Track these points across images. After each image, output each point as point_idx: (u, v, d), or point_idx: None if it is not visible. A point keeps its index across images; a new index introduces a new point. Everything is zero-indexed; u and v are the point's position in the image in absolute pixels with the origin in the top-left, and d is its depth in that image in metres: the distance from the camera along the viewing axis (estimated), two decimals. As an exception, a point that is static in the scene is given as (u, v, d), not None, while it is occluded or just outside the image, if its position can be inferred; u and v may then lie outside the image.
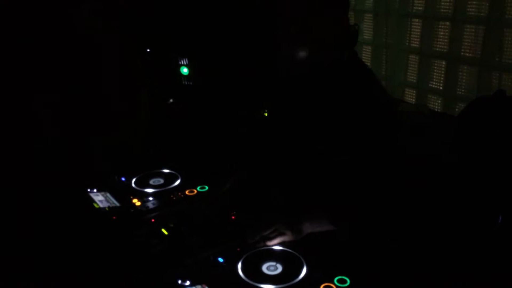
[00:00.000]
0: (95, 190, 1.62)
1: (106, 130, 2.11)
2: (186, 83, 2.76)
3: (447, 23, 2.24)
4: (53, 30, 1.99)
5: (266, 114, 2.42)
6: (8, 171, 1.84)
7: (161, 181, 1.68)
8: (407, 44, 2.47)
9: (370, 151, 1.32)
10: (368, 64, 2.72)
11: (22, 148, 1.94)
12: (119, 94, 2.14)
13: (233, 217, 1.44)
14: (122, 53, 2.11)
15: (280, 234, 1.31)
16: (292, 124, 1.50)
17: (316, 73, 1.41)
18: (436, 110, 2.38)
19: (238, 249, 1.29)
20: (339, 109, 1.35)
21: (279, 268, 1.21)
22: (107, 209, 1.51)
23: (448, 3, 2.22)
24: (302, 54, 1.36)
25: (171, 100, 2.75)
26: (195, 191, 1.61)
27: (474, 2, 2.09)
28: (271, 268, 1.22)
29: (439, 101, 2.38)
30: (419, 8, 2.37)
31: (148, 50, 2.63)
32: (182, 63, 2.72)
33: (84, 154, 2.03)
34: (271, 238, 1.30)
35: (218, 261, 1.25)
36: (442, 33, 2.30)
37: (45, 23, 1.97)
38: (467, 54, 2.18)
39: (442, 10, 2.26)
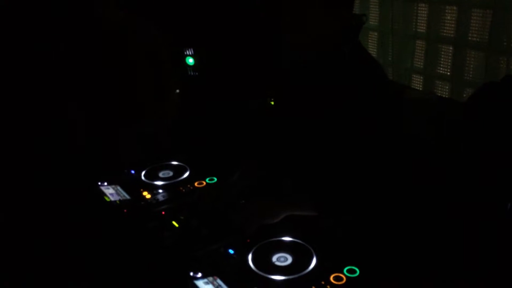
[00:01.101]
0: (105, 184, 1.63)
1: (137, 122, 2.12)
2: (192, 73, 2.76)
3: (454, 8, 2.22)
4: (81, 26, 1.99)
5: (272, 103, 2.42)
6: (26, 168, 1.87)
7: (170, 173, 1.70)
8: (413, 29, 2.45)
9: (371, 146, 1.32)
10: (375, 50, 2.70)
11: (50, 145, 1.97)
12: (148, 88, 2.15)
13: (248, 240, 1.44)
14: (150, 44, 2.10)
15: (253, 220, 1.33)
16: (296, 114, 1.51)
17: (318, 63, 1.41)
18: (444, 96, 2.37)
19: (248, 240, 1.30)
20: (340, 100, 1.35)
21: (289, 259, 1.23)
22: (118, 202, 1.53)
23: (455, -13, 2.20)
24: (305, 45, 1.37)
25: (177, 91, 2.76)
26: (204, 183, 1.62)
27: (482, -14, 2.07)
28: (281, 259, 1.23)
29: (447, 87, 2.37)
30: (426, -8, 2.35)
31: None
32: (188, 53, 2.73)
33: (115, 146, 2.05)
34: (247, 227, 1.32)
35: (229, 252, 1.27)
36: (449, 17, 2.28)
37: (74, 22, 1.97)
38: (475, 39, 2.17)
39: (449, -6, 2.24)
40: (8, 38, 2.06)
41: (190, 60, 2.72)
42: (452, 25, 2.26)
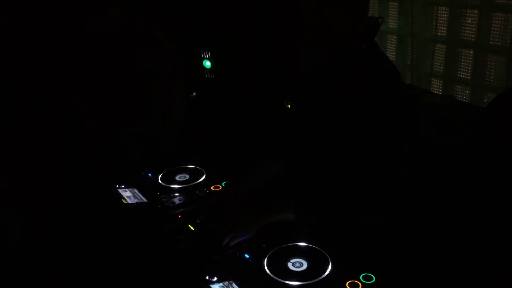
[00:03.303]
0: (123, 186, 1.65)
1: (140, 122, 2.14)
2: (209, 76, 2.78)
3: (475, 11, 2.18)
4: (84, 23, 2.01)
5: (289, 106, 2.42)
6: (41, 166, 1.90)
7: (187, 177, 1.71)
8: (433, 33, 2.42)
9: (383, 148, 1.32)
10: (394, 54, 2.68)
11: (57, 142, 1.99)
12: (154, 88, 2.16)
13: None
14: (159, 49, 2.12)
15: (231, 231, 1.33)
16: (313, 115, 1.51)
17: (334, 64, 1.41)
18: (464, 100, 2.33)
19: (264, 245, 1.30)
20: (355, 101, 1.35)
21: (305, 265, 1.22)
22: (135, 205, 1.55)
23: (476, -10, 2.16)
24: (322, 46, 1.37)
25: (194, 94, 2.78)
26: (220, 187, 1.63)
27: (504, -11, 2.03)
28: (296, 264, 1.23)
29: (467, 92, 2.33)
30: (446, -5, 2.32)
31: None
32: (205, 56, 2.74)
33: (117, 146, 2.06)
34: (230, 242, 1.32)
35: (245, 257, 1.27)
36: (469, 21, 2.24)
37: (77, 17, 2.00)
38: (496, 43, 2.13)
39: (470, -3, 2.20)
40: (14, 40, 2.09)
41: (207, 63, 2.74)
42: (473, 29, 2.22)
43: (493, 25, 2.12)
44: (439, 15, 2.38)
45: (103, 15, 1.93)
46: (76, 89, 2.05)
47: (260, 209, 1.41)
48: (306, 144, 1.55)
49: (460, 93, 2.37)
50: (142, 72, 2.10)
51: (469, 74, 2.31)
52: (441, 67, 2.44)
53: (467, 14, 2.24)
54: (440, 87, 2.48)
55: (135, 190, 1.63)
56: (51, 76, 2.03)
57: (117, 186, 1.66)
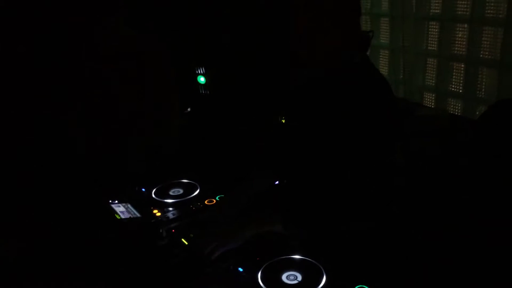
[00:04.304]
0: (116, 202, 1.64)
1: (141, 132, 2.15)
2: (203, 92, 2.78)
3: (465, 25, 2.21)
4: (87, 40, 2.03)
5: (283, 121, 2.43)
6: (34, 181, 1.89)
7: (181, 191, 1.70)
8: (424, 47, 2.45)
9: (376, 159, 1.33)
10: (386, 68, 2.70)
11: (51, 157, 1.99)
12: (154, 99, 2.18)
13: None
14: (153, 61, 2.14)
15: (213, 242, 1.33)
16: (307, 129, 1.52)
17: (328, 78, 1.42)
18: (456, 113, 2.35)
19: (258, 258, 1.29)
20: (345, 114, 1.36)
21: (299, 277, 1.21)
22: (128, 220, 1.53)
23: (465, 5, 2.19)
24: (315, 59, 1.39)
25: (188, 109, 2.78)
26: (214, 201, 1.63)
27: (492, 4, 2.06)
28: (290, 277, 1.22)
29: (459, 105, 2.35)
30: (436, 10, 2.35)
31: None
32: (199, 72, 2.75)
33: (119, 156, 2.07)
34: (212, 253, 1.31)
35: (238, 270, 1.26)
36: (460, 35, 2.27)
37: (80, 33, 2.02)
38: (487, 57, 2.15)
39: (459, 12, 2.23)
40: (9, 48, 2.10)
41: (202, 79, 2.75)
42: (464, 43, 2.25)
43: (483, 39, 2.15)
44: (429, 29, 2.41)
45: (101, 30, 1.95)
46: (73, 105, 2.07)
47: (245, 220, 1.40)
48: (299, 156, 1.56)
49: (452, 106, 2.39)
50: (141, 84, 2.12)
51: (461, 87, 2.33)
52: (433, 81, 2.46)
53: (457, 28, 2.27)
54: (433, 101, 2.49)
55: (129, 205, 1.62)
56: (47, 94, 2.05)
57: (110, 201, 1.65)
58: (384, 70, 2.70)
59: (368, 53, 1.48)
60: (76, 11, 1.97)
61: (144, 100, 2.14)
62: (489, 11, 2.08)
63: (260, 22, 2.68)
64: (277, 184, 1.66)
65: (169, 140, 2.20)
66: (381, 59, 2.75)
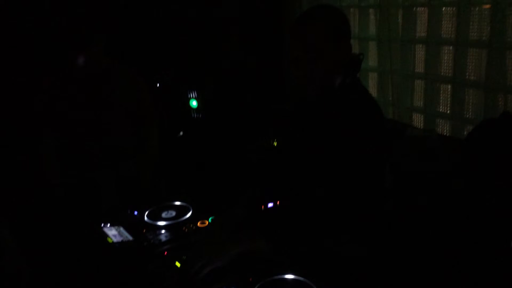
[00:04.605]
0: (108, 225, 1.64)
1: (116, 164, 2.16)
2: (195, 115, 2.81)
3: (450, 48, 2.27)
4: (63, 68, 2.08)
5: (275, 144, 2.45)
6: (22, 207, 1.89)
7: (173, 213, 1.70)
8: (412, 69, 2.50)
9: (367, 180, 1.34)
10: (375, 90, 2.75)
11: (35, 185, 1.99)
12: (129, 129, 2.20)
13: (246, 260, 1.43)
14: (131, 88, 2.18)
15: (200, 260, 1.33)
16: (297, 151, 1.54)
17: (320, 99, 1.46)
18: (445, 134, 2.38)
19: (251, 279, 1.29)
20: (334, 135, 1.38)
21: (292, 298, 1.21)
22: (120, 243, 1.53)
23: (450, 28, 2.26)
24: (308, 81, 1.42)
25: (181, 133, 2.81)
26: (207, 223, 1.63)
27: (476, 26, 2.12)
28: (284, 297, 1.21)
29: (447, 125, 2.39)
30: (422, 34, 2.41)
31: (158, 84, 2.70)
32: (192, 96, 2.79)
33: (94, 190, 2.07)
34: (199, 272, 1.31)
35: (231, 292, 1.25)
36: (446, 57, 2.33)
37: (56, 61, 2.06)
38: (472, 78, 2.20)
39: (444, 35, 2.29)
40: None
41: (194, 103, 2.78)
42: (450, 65, 2.30)
43: (468, 60, 2.20)
44: (416, 52, 2.47)
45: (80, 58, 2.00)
46: (48, 135, 2.10)
47: (233, 240, 1.41)
48: (291, 176, 1.57)
49: (441, 127, 2.43)
50: (118, 113, 2.15)
51: (448, 108, 2.37)
52: (421, 102, 2.51)
53: (443, 51, 2.32)
54: (421, 122, 2.53)
55: (121, 229, 1.62)
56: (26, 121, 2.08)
57: (102, 225, 1.64)
58: (373, 92, 2.74)
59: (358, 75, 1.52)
60: (57, 38, 2.04)
61: (121, 129, 2.17)
62: (473, 34, 2.14)
63: (254, 46, 2.73)
64: (270, 206, 1.67)
65: (144, 171, 2.22)
66: (370, 81, 2.80)
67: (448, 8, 2.24)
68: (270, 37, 2.77)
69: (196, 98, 2.76)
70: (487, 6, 2.04)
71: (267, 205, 1.68)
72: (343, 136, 1.37)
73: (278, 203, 1.69)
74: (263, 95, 2.80)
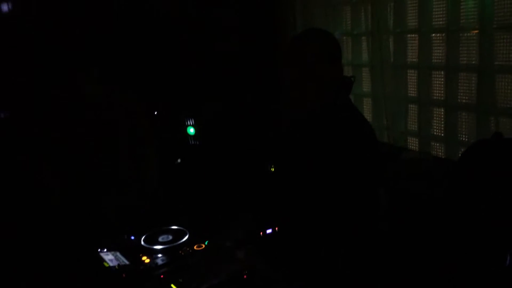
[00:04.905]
0: (105, 250, 1.64)
1: (115, 191, 2.17)
2: (193, 142, 2.84)
3: (441, 72, 2.32)
4: (59, 96, 2.11)
5: (272, 169, 2.47)
6: (21, 231, 1.88)
7: (170, 237, 1.71)
8: (405, 94, 2.55)
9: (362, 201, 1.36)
10: (370, 115, 2.79)
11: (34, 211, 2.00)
12: (127, 156, 2.22)
13: (244, 276, 1.43)
14: (129, 116, 2.21)
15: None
16: (294, 175, 1.55)
17: (311, 119, 1.49)
18: (440, 156, 2.40)
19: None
20: (327, 152, 1.41)
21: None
22: (116, 267, 1.53)
23: (440, 54, 2.31)
24: (302, 102, 1.46)
25: (178, 160, 2.82)
26: (203, 246, 1.63)
27: (465, 51, 2.18)
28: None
29: (442, 148, 2.41)
30: (413, 59, 2.47)
31: (155, 112, 2.74)
32: (189, 123, 2.82)
33: (95, 216, 2.07)
34: None
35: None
36: (437, 82, 2.37)
37: (52, 90, 2.10)
38: (464, 101, 2.24)
39: (434, 60, 2.35)
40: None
41: (191, 130, 2.81)
42: (441, 89, 2.34)
43: (459, 84, 2.25)
44: (408, 77, 2.52)
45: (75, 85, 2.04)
46: (49, 163, 2.11)
47: (227, 257, 1.41)
48: (290, 202, 1.58)
49: (435, 149, 2.45)
50: (116, 144, 2.17)
51: (442, 132, 2.40)
52: (415, 126, 2.54)
53: (434, 76, 2.37)
54: (417, 145, 2.56)
55: (118, 253, 1.62)
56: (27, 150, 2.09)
57: (99, 250, 1.64)
58: (368, 117, 2.78)
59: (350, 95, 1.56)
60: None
61: (118, 156, 2.19)
62: (462, 58, 2.19)
63: (249, 72, 2.79)
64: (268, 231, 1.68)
65: (144, 196, 2.22)
66: (364, 106, 2.84)
67: (438, 34, 2.30)
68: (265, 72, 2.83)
69: (193, 126, 2.79)
70: (475, 31, 2.10)
71: (266, 231, 1.69)
72: (335, 151, 1.40)
73: (276, 229, 1.69)
74: (261, 120, 2.84)
